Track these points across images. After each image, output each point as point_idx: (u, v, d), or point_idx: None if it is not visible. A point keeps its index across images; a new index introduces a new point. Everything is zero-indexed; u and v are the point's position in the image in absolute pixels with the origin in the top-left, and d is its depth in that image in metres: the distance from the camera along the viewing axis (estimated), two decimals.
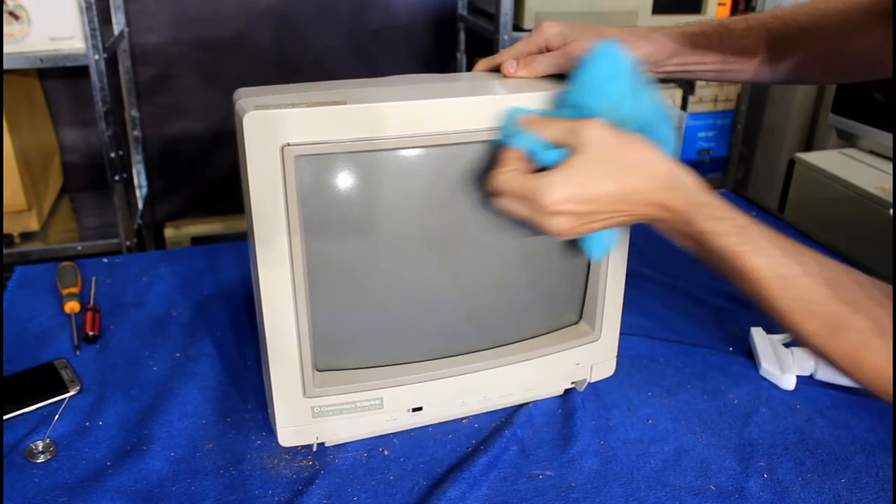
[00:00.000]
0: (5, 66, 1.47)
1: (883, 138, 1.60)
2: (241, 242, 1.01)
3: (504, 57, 0.69)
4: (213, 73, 1.98)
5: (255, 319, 0.73)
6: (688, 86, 2.04)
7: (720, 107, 2.08)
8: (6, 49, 1.47)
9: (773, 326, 0.88)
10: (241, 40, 1.97)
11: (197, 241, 2.02)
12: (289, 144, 0.56)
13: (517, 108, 0.60)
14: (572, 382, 0.77)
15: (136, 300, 0.96)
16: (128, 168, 1.94)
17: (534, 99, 0.61)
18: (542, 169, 0.57)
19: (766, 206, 1.26)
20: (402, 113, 0.58)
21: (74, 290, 0.94)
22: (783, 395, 0.79)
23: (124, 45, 1.89)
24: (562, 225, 0.56)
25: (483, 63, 0.72)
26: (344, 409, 0.68)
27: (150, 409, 0.75)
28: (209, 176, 2.08)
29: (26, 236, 1.69)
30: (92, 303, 0.94)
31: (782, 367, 0.81)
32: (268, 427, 0.73)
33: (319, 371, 0.68)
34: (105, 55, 1.51)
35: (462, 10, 2.08)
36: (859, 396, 0.78)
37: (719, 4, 1.86)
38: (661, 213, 0.56)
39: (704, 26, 0.74)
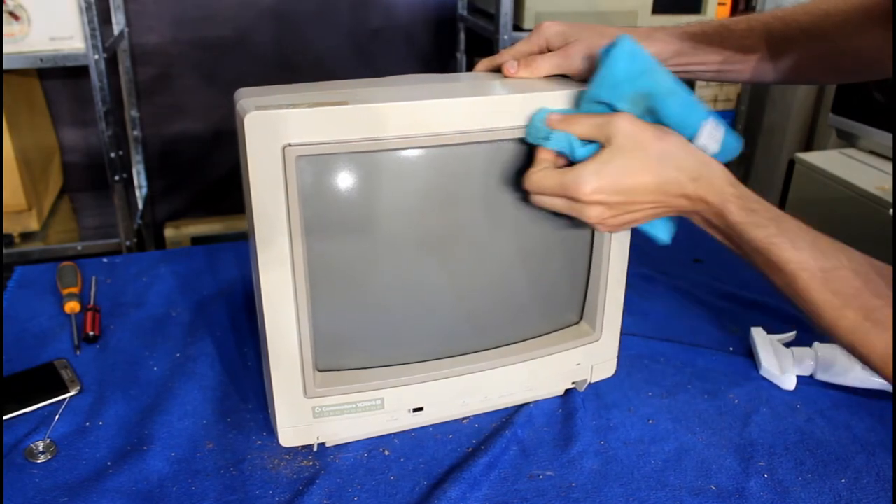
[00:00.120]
0: (5, 66, 1.47)
1: (883, 138, 1.60)
2: (241, 242, 1.01)
3: (504, 57, 0.69)
4: (213, 73, 1.98)
5: (255, 319, 0.73)
6: (688, 86, 2.04)
7: (720, 107, 2.08)
8: (6, 49, 1.47)
9: (773, 326, 0.88)
10: (241, 40, 1.97)
11: (197, 241, 2.02)
12: (290, 145, 0.56)
13: (544, 108, 0.60)
14: (573, 382, 0.77)
15: (136, 300, 0.96)
16: (128, 168, 1.94)
17: (559, 97, 0.61)
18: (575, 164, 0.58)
19: None
20: (403, 113, 0.58)
21: (74, 290, 0.94)
22: (783, 395, 0.79)
23: (124, 45, 1.89)
24: (600, 214, 0.57)
25: (483, 63, 0.72)
26: (344, 410, 0.68)
27: (151, 410, 0.75)
28: (209, 176, 2.08)
29: (26, 236, 1.69)
30: (92, 303, 0.94)
31: (782, 367, 0.81)
32: (268, 427, 0.73)
33: (320, 371, 0.68)
34: (105, 55, 1.51)
35: (462, 10, 2.08)
36: (859, 396, 0.78)
37: (719, 4, 1.86)
38: (695, 204, 0.57)
39: (705, 26, 0.74)
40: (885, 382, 0.76)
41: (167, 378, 0.80)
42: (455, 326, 0.70)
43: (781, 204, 1.77)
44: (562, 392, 0.78)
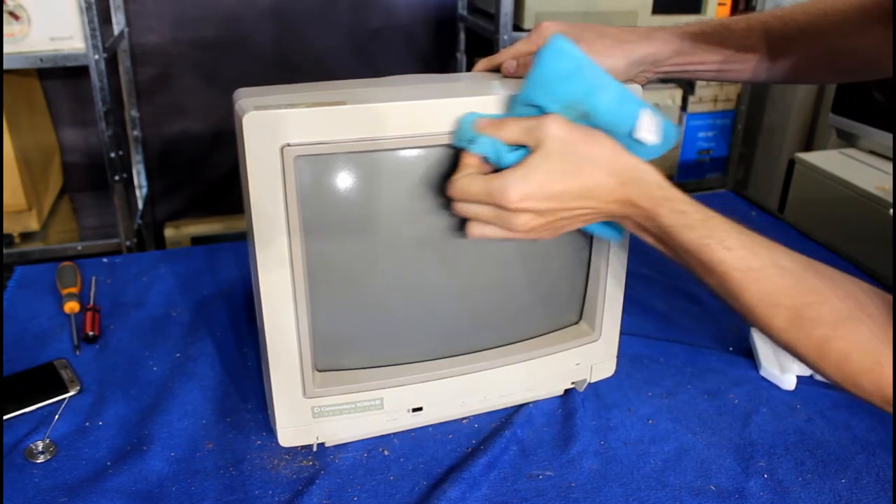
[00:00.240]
0: (5, 66, 1.47)
1: (883, 138, 1.60)
2: (241, 242, 1.01)
3: (504, 57, 0.69)
4: (213, 73, 1.98)
5: (255, 319, 0.73)
6: (688, 86, 2.04)
7: (720, 107, 2.08)
8: (6, 49, 1.47)
9: None
10: (241, 40, 1.97)
11: (197, 241, 2.02)
12: (289, 145, 0.56)
13: (472, 112, 0.58)
14: (572, 382, 0.77)
15: (136, 300, 0.96)
16: (128, 168, 1.94)
17: (488, 102, 0.59)
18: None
19: (766, 206, 1.26)
20: (403, 113, 0.58)
21: (74, 290, 0.94)
22: (783, 396, 0.79)
23: (124, 45, 1.89)
24: (528, 222, 0.56)
25: (483, 63, 0.72)
26: (344, 410, 0.68)
27: (150, 409, 0.75)
28: (209, 176, 2.08)
29: (26, 236, 1.69)
30: (92, 303, 0.94)
31: (782, 367, 0.81)
32: (268, 427, 0.73)
33: (319, 371, 0.68)
34: (105, 55, 1.51)
35: (462, 10, 2.08)
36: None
37: (719, 4, 1.86)
38: (625, 209, 0.56)
39: (704, 26, 0.74)
40: None
41: (167, 378, 0.80)
42: (454, 326, 0.70)
43: (781, 204, 1.77)
44: (561, 392, 0.78)
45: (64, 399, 0.76)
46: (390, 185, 0.61)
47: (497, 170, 0.57)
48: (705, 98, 2.05)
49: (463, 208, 0.58)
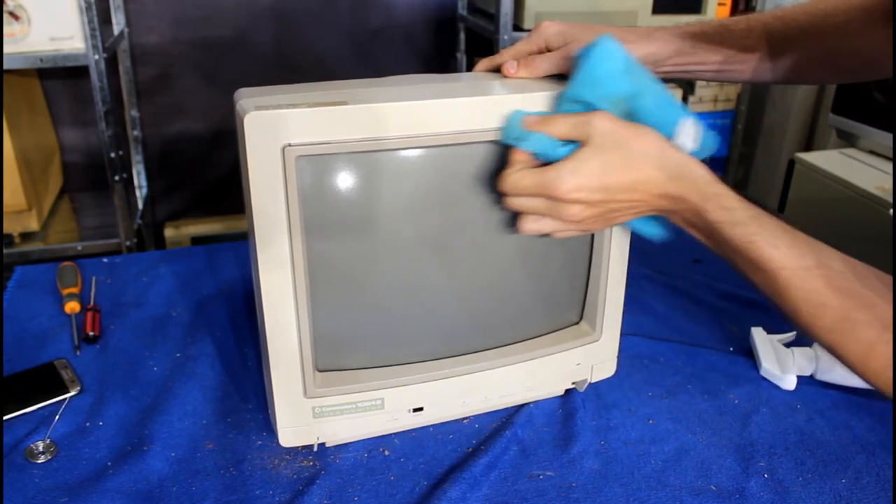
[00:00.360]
0: (5, 66, 1.47)
1: (883, 138, 1.60)
2: (241, 242, 1.01)
3: (504, 57, 0.69)
4: (213, 73, 1.98)
5: (255, 319, 0.73)
6: (688, 86, 2.04)
7: (720, 107, 2.08)
8: (6, 49, 1.47)
9: (773, 326, 0.88)
10: (241, 40, 1.97)
11: (197, 241, 2.02)
12: (290, 145, 0.56)
13: (520, 110, 0.60)
14: (573, 382, 0.77)
15: (136, 300, 0.96)
16: (128, 168, 1.94)
17: (536, 100, 0.61)
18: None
19: (766, 206, 1.26)
20: (403, 113, 0.58)
21: (74, 290, 0.94)
22: (783, 396, 0.79)
23: (124, 45, 1.89)
24: (579, 213, 0.57)
25: (483, 63, 0.72)
26: (345, 410, 0.68)
27: (151, 409, 0.75)
28: (209, 176, 2.08)
29: (26, 236, 1.69)
30: (92, 303, 0.94)
31: (782, 367, 0.81)
32: (268, 427, 0.73)
33: (320, 371, 0.68)
34: (105, 55, 1.51)
35: (462, 10, 2.08)
36: (859, 397, 0.78)
37: (719, 4, 1.86)
38: (673, 203, 0.56)
39: (705, 26, 0.74)
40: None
41: (167, 378, 0.80)
42: (455, 326, 0.70)
43: (781, 204, 1.77)
44: (562, 392, 0.78)
45: (64, 399, 0.76)
46: (391, 186, 0.61)
47: (545, 165, 0.58)
48: (705, 98, 2.05)
49: (515, 202, 0.59)
